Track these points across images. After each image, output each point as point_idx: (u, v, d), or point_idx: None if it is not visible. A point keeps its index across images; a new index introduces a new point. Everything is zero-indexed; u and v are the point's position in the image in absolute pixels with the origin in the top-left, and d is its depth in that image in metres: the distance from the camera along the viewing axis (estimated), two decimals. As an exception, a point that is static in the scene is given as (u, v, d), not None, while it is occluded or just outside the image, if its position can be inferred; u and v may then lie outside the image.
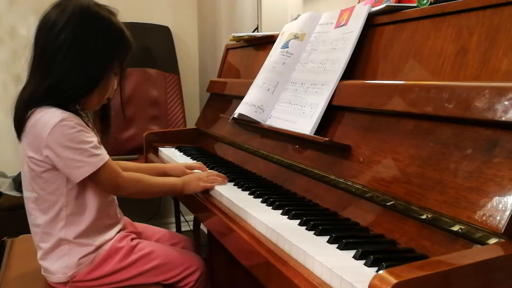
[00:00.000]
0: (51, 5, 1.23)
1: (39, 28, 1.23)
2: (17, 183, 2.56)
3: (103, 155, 1.21)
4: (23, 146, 1.23)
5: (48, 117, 1.16)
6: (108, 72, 1.25)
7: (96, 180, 1.22)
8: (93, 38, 1.22)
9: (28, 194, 1.26)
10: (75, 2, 1.22)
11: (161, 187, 1.38)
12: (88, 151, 1.18)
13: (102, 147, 1.25)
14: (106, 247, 1.28)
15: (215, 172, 1.42)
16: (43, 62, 1.21)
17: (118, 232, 1.34)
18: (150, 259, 1.32)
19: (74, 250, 1.24)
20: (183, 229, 2.93)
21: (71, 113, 1.19)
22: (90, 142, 1.20)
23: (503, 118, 0.77)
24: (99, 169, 1.19)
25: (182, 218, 2.92)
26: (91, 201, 1.25)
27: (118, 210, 1.39)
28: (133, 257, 1.30)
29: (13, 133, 1.25)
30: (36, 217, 1.25)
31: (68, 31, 1.19)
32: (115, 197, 1.37)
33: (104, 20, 1.24)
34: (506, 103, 0.77)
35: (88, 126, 1.26)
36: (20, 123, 1.21)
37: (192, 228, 2.73)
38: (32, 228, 1.28)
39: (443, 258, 0.69)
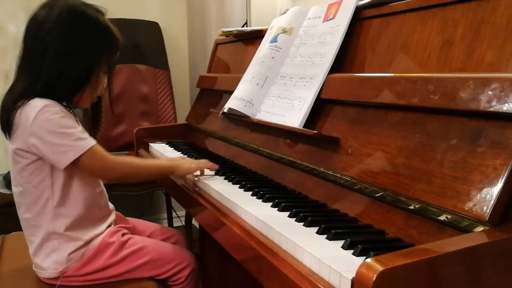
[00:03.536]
0: (39, 6, 1.24)
1: (27, 28, 1.24)
2: (7, 180, 2.55)
3: (90, 139, 1.22)
4: (10, 141, 1.23)
5: (31, 107, 1.17)
6: (97, 69, 1.27)
7: (82, 165, 1.21)
8: (80, 37, 1.23)
9: (15, 189, 1.27)
10: (62, 2, 1.24)
11: (150, 169, 1.38)
12: (73, 135, 1.19)
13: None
14: (96, 242, 1.28)
15: (204, 160, 1.43)
16: (32, 62, 1.22)
17: (109, 226, 1.34)
18: (141, 254, 1.32)
19: (64, 245, 1.25)
20: (175, 224, 2.94)
21: (54, 101, 1.19)
22: (75, 127, 1.21)
23: (487, 109, 0.78)
24: (85, 153, 1.19)
25: (174, 214, 2.92)
26: (78, 192, 1.26)
27: (109, 204, 1.39)
28: (124, 252, 1.30)
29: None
30: (23, 211, 1.26)
31: (56, 30, 1.20)
32: (104, 188, 1.37)
33: (91, 19, 1.25)
34: (490, 93, 0.79)
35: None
36: (7, 122, 1.21)
37: (184, 224, 2.73)
38: (22, 223, 1.29)
39: (428, 246, 0.70)
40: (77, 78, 1.23)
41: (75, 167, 1.22)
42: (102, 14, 1.29)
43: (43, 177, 1.22)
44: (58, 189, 1.23)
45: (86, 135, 1.23)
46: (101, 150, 1.25)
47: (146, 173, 1.39)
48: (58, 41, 1.20)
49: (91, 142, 1.22)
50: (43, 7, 1.24)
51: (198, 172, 1.38)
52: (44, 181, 1.22)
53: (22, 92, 1.21)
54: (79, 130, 1.21)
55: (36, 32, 1.22)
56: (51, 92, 1.20)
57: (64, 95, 1.24)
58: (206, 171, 1.39)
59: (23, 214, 1.27)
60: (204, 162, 1.40)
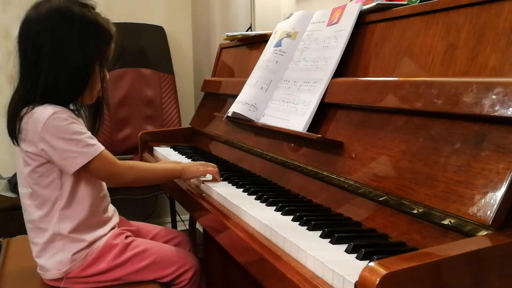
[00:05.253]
0: (28, 9, 1.24)
1: (19, 33, 1.24)
2: (12, 184, 2.56)
3: (98, 145, 1.23)
4: (20, 144, 1.23)
5: (40, 113, 1.18)
6: (93, 65, 1.25)
7: (91, 170, 1.22)
8: (69, 36, 1.21)
9: (23, 190, 1.27)
10: (48, 3, 1.23)
11: (158, 173, 1.38)
12: (83, 141, 1.19)
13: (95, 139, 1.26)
14: (100, 243, 1.29)
15: (211, 164, 1.42)
16: (27, 66, 1.23)
17: (112, 229, 1.35)
18: (144, 257, 1.32)
19: (68, 246, 1.25)
20: (179, 228, 2.94)
21: (63, 107, 1.20)
22: (84, 132, 1.21)
23: (491, 113, 0.78)
24: (94, 158, 1.20)
25: (178, 218, 2.92)
26: (85, 195, 1.27)
27: (112, 207, 1.40)
28: (127, 254, 1.31)
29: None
30: (31, 213, 1.27)
31: (45, 32, 1.20)
32: (107, 193, 1.38)
33: (77, 15, 1.23)
34: (493, 97, 0.79)
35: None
36: (14, 129, 1.22)
37: (188, 228, 2.73)
38: (27, 225, 1.29)
39: (431, 250, 0.70)
40: (75, 79, 1.22)
41: (84, 171, 1.23)
42: (90, 8, 1.27)
43: (52, 179, 1.23)
44: (66, 191, 1.24)
45: (94, 141, 1.23)
46: (109, 155, 1.25)
47: (154, 177, 1.40)
48: (48, 43, 1.20)
49: (99, 148, 1.22)
50: (32, 8, 1.23)
51: (209, 177, 1.38)
52: (54, 183, 1.23)
53: (23, 98, 1.22)
54: (87, 136, 1.22)
55: (27, 35, 1.22)
56: (52, 97, 1.20)
57: (67, 99, 1.24)
58: (208, 176, 1.39)
59: (29, 216, 1.27)
60: (211, 166, 1.39)
